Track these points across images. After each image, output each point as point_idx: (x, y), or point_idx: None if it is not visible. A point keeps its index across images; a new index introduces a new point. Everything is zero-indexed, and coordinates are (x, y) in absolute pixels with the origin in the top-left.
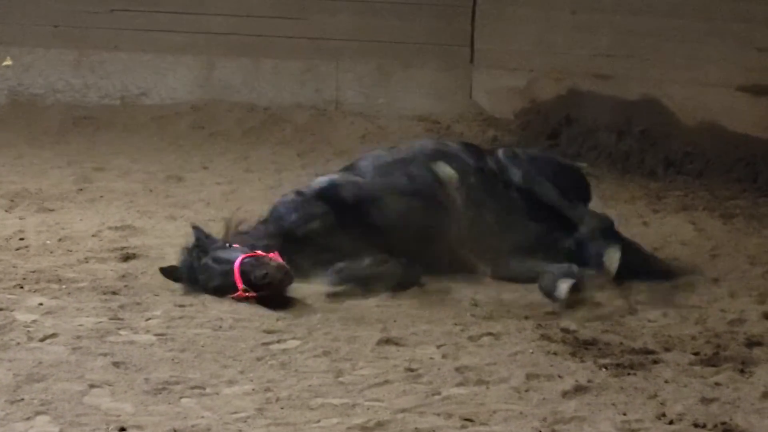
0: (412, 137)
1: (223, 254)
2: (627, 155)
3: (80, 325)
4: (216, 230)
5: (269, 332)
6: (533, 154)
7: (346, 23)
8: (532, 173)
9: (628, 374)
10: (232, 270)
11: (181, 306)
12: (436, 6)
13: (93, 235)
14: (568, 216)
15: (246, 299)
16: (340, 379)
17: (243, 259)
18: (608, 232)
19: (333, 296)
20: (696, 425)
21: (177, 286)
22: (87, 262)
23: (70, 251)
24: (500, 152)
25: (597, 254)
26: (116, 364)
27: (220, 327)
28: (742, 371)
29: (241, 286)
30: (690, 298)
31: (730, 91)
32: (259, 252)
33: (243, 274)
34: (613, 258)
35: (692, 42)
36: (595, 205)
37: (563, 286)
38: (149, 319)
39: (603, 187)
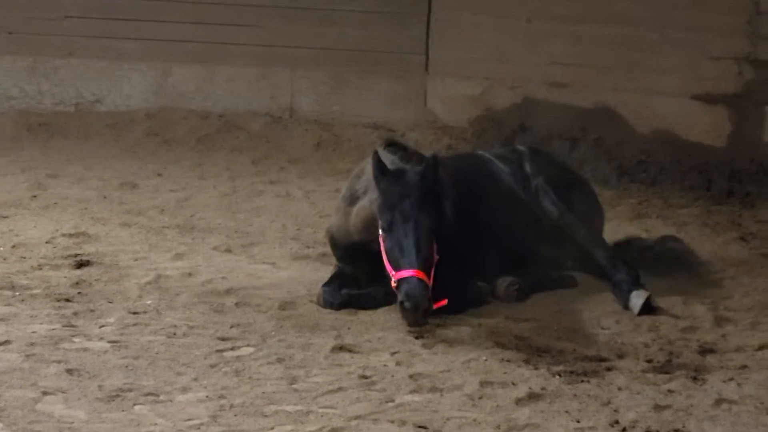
0: (367, 145)
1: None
2: (581, 163)
3: (33, 332)
4: (170, 236)
5: (223, 339)
6: (562, 179)
7: (302, 31)
8: (567, 216)
9: (582, 381)
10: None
11: (134, 313)
12: (392, 14)
13: (47, 242)
14: (595, 257)
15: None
16: (294, 386)
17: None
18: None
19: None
20: None
21: (131, 293)
22: (40, 269)
23: (24, 258)
24: (533, 173)
25: (624, 296)
26: (70, 371)
27: (174, 334)
28: (695, 378)
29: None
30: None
31: (684, 99)
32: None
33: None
34: (636, 304)
35: (646, 51)
36: None
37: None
38: (103, 326)
39: None
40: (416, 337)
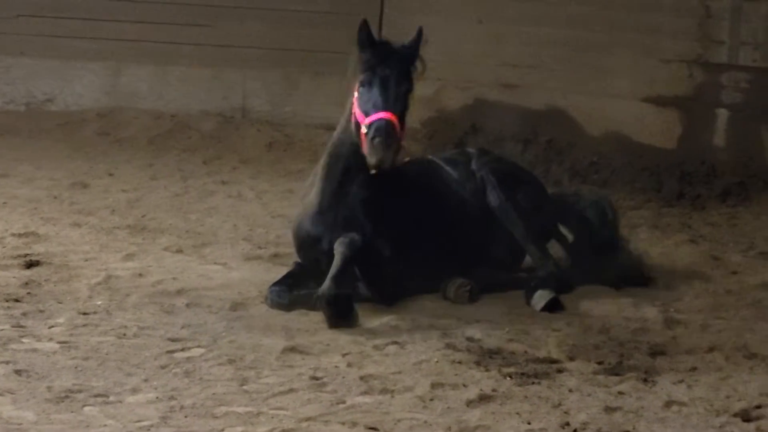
0: (319, 146)
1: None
2: (533, 165)
3: None
4: (121, 236)
5: (174, 340)
6: (508, 172)
7: (254, 31)
8: (507, 208)
9: (532, 383)
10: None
11: (84, 314)
12: (343, 15)
13: None
14: (528, 253)
15: None
16: (244, 387)
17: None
18: (555, 282)
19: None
20: None
21: (81, 294)
22: None
23: None
24: (479, 167)
25: (532, 292)
26: (18, 372)
27: (124, 335)
28: (645, 380)
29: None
30: (593, 308)
31: (635, 101)
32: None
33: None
34: (539, 303)
35: (598, 52)
36: None
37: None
38: (52, 326)
39: None
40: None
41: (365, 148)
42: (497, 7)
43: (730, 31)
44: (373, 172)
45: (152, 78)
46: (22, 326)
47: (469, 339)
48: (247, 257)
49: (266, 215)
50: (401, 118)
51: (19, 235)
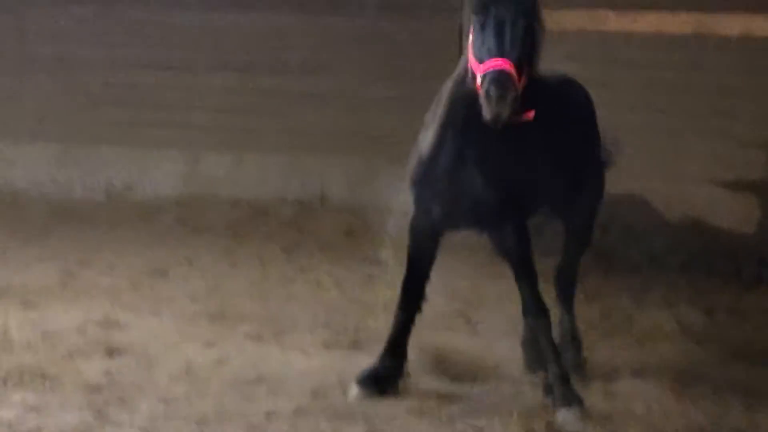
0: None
1: None
2: (610, 251)
3: (64, 421)
4: (201, 324)
5: (254, 427)
6: None
7: (332, 117)
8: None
9: None
10: None
11: (165, 402)
12: (423, 100)
13: (77, 331)
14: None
15: None
16: None
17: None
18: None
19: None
20: None
21: (161, 381)
22: (71, 357)
23: (54, 347)
24: None
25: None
26: None
27: (205, 422)
28: None
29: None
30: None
31: (713, 186)
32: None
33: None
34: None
35: (674, 137)
36: None
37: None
38: (134, 414)
39: (587, 281)
40: None
41: (481, 101)
42: None
43: None
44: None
45: (230, 165)
46: (103, 415)
47: (549, 425)
48: (327, 344)
49: (345, 302)
50: (521, 64)
51: (100, 324)
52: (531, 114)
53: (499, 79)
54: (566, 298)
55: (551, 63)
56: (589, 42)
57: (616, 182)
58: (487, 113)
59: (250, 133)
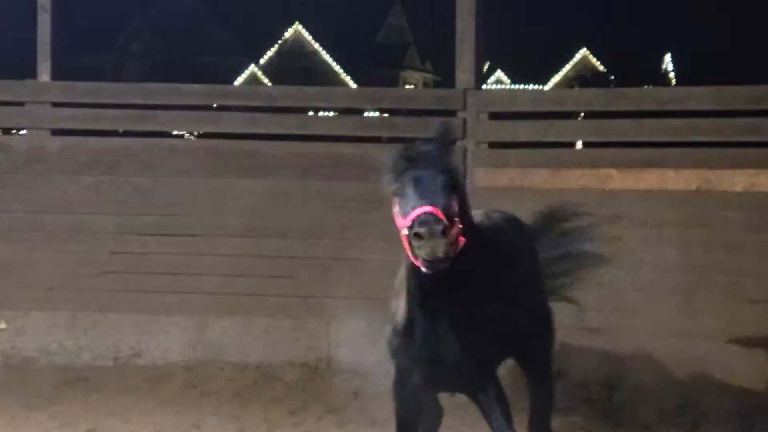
0: None
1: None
2: (620, 409)
3: None
4: None
5: None
6: None
7: (338, 281)
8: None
9: None
10: None
11: None
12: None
13: None
14: None
15: None
16: None
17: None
18: None
19: None
20: None
21: None
22: None
23: None
24: None
25: None
26: None
27: None
28: None
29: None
30: None
31: (722, 343)
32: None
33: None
34: None
35: (682, 294)
36: None
37: None
38: None
39: None
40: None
41: (410, 252)
42: None
43: None
44: (428, 272)
45: (237, 330)
46: None
47: None
48: None
49: None
50: (448, 214)
51: None
52: (462, 241)
53: (425, 220)
54: None
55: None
56: (592, 199)
57: (626, 340)
58: (422, 256)
59: (256, 298)
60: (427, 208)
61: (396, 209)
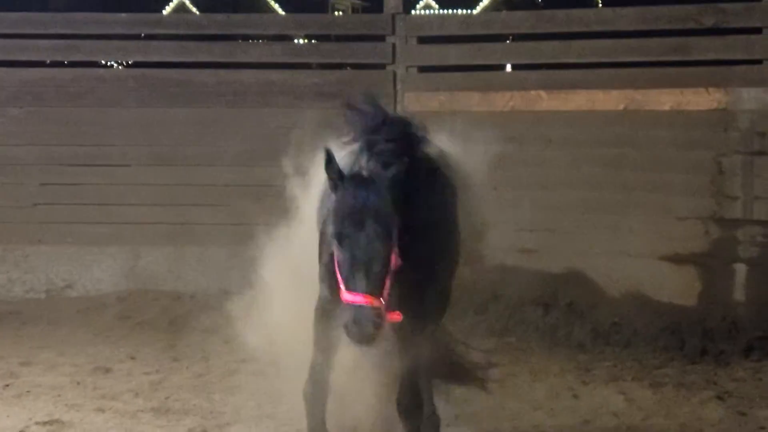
0: None
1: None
2: (554, 328)
3: None
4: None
5: None
6: None
7: (269, 208)
8: None
9: None
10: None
11: None
12: None
13: None
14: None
15: None
16: None
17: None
18: None
19: None
20: None
21: None
22: None
23: None
24: None
25: None
26: None
27: None
28: None
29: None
30: None
31: (654, 260)
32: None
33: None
34: None
35: (613, 214)
36: None
37: None
38: None
39: (532, 360)
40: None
41: (345, 331)
42: (511, 173)
43: (743, 187)
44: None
45: (170, 259)
46: None
47: None
48: None
49: (290, 391)
50: (380, 282)
51: (44, 424)
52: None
53: (358, 319)
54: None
55: (485, 144)
56: (523, 122)
57: (558, 260)
58: (351, 341)
59: (189, 227)
60: (360, 299)
61: (336, 254)
